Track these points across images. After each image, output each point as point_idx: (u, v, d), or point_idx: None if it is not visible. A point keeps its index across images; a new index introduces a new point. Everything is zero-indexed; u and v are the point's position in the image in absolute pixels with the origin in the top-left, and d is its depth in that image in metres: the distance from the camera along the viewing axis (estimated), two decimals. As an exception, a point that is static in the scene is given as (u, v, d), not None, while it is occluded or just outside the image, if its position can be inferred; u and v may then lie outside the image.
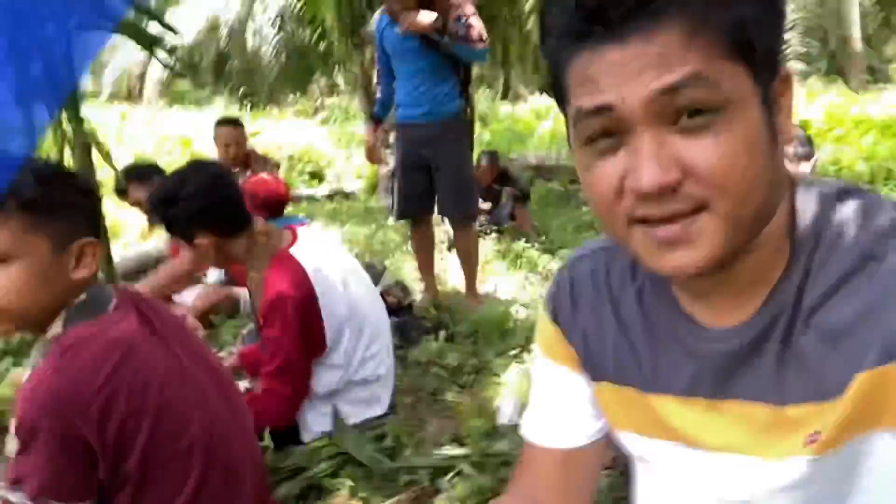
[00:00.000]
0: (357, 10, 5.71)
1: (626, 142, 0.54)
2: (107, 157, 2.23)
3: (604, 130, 0.54)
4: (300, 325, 1.82)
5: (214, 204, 1.81)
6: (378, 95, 3.49)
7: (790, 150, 1.67)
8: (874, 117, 9.09)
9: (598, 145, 0.56)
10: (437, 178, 3.29)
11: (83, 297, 1.12)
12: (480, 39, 3.08)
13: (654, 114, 0.52)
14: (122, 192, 3.46)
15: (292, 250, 1.91)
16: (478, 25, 3.07)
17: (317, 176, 9.28)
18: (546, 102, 15.15)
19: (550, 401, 0.82)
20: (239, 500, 1.23)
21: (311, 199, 8.05)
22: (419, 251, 3.61)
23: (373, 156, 3.85)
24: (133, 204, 3.42)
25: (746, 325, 0.62)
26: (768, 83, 0.55)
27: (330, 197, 8.15)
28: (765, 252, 0.60)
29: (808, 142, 1.79)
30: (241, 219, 1.88)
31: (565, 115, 0.59)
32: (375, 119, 3.57)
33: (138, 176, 3.27)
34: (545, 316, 0.80)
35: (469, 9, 3.08)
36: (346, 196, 8.26)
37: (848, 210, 0.60)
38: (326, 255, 2.01)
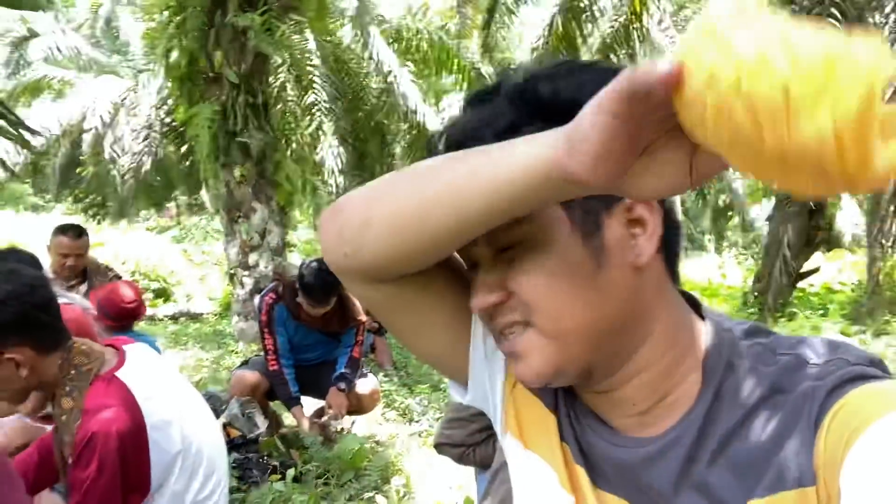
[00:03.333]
0: (231, 128, 5.68)
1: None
2: None
3: (470, 261, 0.64)
4: (120, 464, 1.53)
5: (34, 311, 1.53)
6: (287, 378, 3.24)
7: None
8: (693, 280, 10.29)
9: (472, 273, 0.64)
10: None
11: None
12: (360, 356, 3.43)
13: (486, 250, 0.60)
14: None
15: (119, 373, 1.64)
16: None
17: (163, 294, 8.66)
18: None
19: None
20: None
21: (152, 319, 7.42)
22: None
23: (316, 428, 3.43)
24: None
25: (647, 441, 0.62)
26: (593, 211, 0.58)
27: (175, 318, 7.58)
28: (658, 372, 0.61)
29: None
30: (60, 333, 1.59)
31: None
32: (295, 399, 3.28)
33: None
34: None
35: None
36: (194, 318, 7.72)
37: (757, 344, 0.62)
38: (160, 380, 1.76)
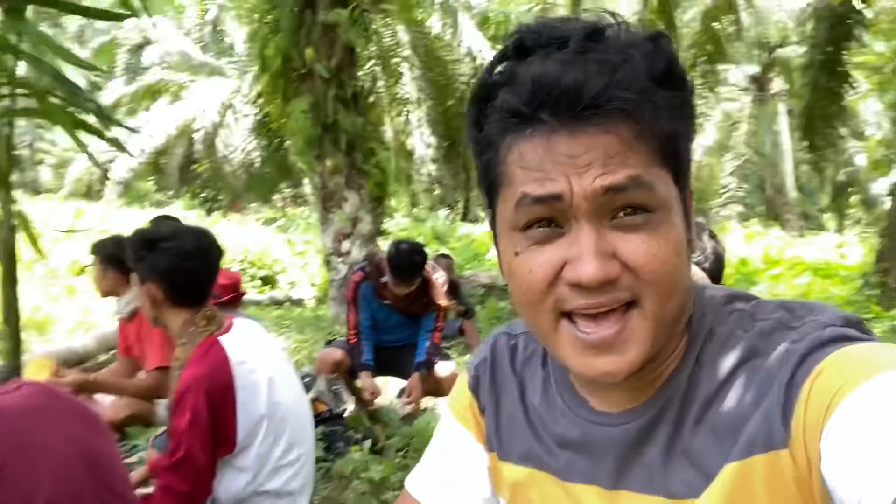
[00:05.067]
0: (323, 120, 5.93)
1: (565, 232, 0.55)
2: (32, 239, 2.17)
3: (545, 218, 0.55)
4: (209, 416, 1.70)
5: (182, 272, 1.78)
6: (363, 349, 3.39)
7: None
8: (807, 260, 9.64)
9: (535, 232, 0.56)
10: None
11: None
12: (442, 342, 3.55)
13: (596, 208, 0.53)
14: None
15: (222, 338, 1.83)
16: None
17: (269, 281, 9.20)
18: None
19: (446, 462, 0.80)
20: None
21: (258, 304, 7.92)
22: None
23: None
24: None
25: (635, 412, 0.62)
26: (685, 191, 0.59)
27: (279, 303, 8.04)
28: (668, 347, 0.61)
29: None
30: (197, 297, 1.84)
31: (493, 201, 0.60)
32: (367, 366, 3.41)
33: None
34: (464, 382, 0.80)
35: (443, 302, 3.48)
36: (296, 303, 8.16)
37: (737, 311, 0.62)
38: (257, 350, 1.93)
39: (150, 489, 2.08)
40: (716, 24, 9.81)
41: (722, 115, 15.57)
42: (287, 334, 6.22)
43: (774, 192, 15.37)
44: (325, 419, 2.99)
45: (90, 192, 16.99)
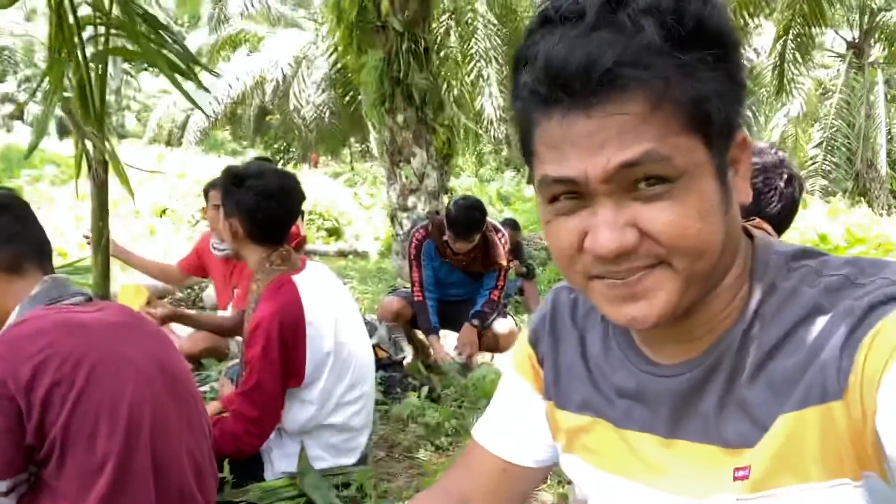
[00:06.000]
0: (395, 74, 5.95)
1: (587, 204, 0.57)
2: (122, 176, 2.30)
3: (566, 193, 0.57)
4: (281, 348, 1.80)
5: (264, 210, 1.87)
6: (429, 309, 3.41)
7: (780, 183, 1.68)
8: (895, 240, 9.08)
9: (561, 204, 0.58)
10: None
11: (35, 290, 1.26)
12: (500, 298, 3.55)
13: (613, 183, 0.54)
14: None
15: (295, 277, 1.93)
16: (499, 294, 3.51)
17: (335, 233, 9.43)
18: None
19: (509, 412, 0.85)
20: (161, 497, 1.23)
21: (324, 254, 8.16)
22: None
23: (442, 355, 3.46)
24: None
25: (691, 364, 0.63)
26: (724, 150, 0.57)
27: (343, 255, 8.26)
28: (721, 300, 0.62)
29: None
30: (275, 236, 1.94)
31: (531, 169, 0.61)
32: (434, 329, 3.43)
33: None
34: (525, 336, 0.84)
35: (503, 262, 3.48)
36: (360, 255, 8.36)
37: (803, 267, 0.62)
38: (327, 290, 2.02)
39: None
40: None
41: (813, 82, 14.64)
42: (350, 284, 6.41)
43: (865, 166, 14.45)
44: (385, 365, 3.09)
45: (171, 139, 17.72)
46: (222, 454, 1.79)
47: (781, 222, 1.68)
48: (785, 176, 1.67)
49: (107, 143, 2.27)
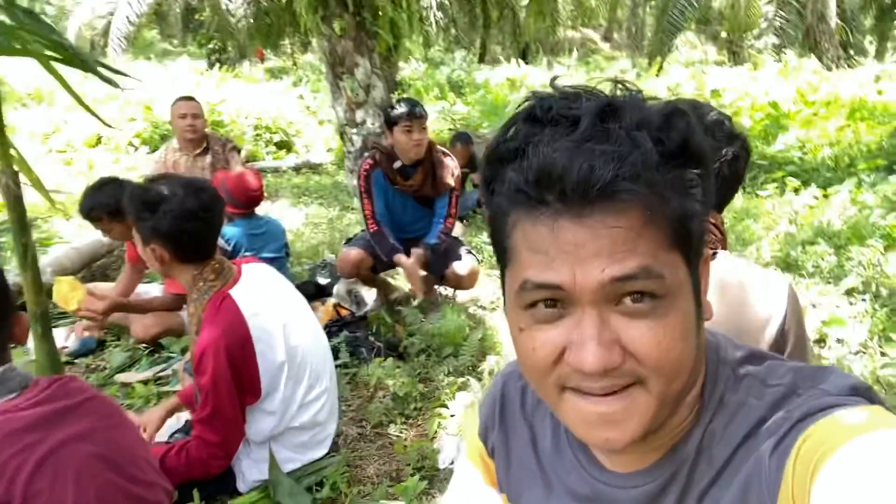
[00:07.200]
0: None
1: (569, 314, 0.55)
2: (37, 184, 2.12)
3: (546, 300, 0.55)
4: (232, 372, 1.78)
5: (188, 232, 1.77)
6: (386, 233, 3.30)
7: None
8: (844, 98, 9.11)
9: (539, 312, 0.56)
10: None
11: None
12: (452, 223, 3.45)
13: (602, 296, 0.53)
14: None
15: (232, 291, 1.85)
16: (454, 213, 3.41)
17: (284, 146, 9.08)
18: (522, 71, 14.94)
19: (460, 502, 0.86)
20: None
21: (276, 171, 7.90)
22: None
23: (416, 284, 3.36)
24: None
25: (644, 475, 0.64)
26: (697, 268, 0.58)
27: (297, 169, 8.01)
28: (679, 416, 0.62)
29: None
30: (203, 252, 1.85)
31: (503, 269, 0.59)
32: (397, 248, 3.29)
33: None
34: (475, 425, 0.83)
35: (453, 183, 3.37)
36: (314, 168, 8.12)
37: (749, 375, 0.62)
38: (269, 295, 1.96)
39: (185, 415, 2.23)
40: None
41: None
42: (307, 203, 6.28)
43: (815, 19, 14.21)
44: (348, 322, 3.09)
45: (94, 48, 16.36)
46: (191, 479, 1.81)
47: (725, 201, 1.63)
48: (726, 129, 1.57)
49: (12, 151, 2.07)
